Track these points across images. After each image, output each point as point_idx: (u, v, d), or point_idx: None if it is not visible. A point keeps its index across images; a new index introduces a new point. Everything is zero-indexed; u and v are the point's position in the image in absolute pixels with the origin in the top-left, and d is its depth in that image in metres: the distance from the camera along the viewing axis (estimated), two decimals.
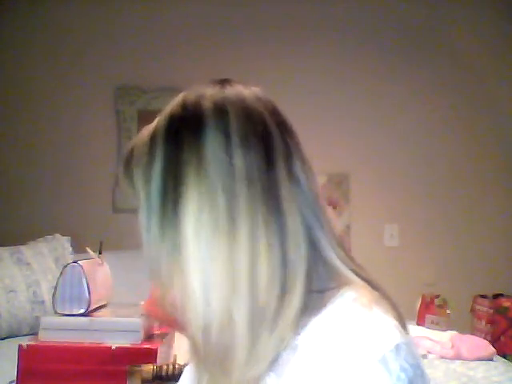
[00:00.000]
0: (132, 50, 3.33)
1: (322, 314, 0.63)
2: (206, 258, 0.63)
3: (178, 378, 1.25)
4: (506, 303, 3.07)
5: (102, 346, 1.46)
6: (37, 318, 2.27)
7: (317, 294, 0.65)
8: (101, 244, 1.71)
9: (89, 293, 1.52)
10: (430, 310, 2.56)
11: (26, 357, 1.44)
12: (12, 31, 3.29)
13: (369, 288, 0.65)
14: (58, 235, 2.79)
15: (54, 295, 1.54)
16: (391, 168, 3.38)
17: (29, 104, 3.29)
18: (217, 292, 0.62)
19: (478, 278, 3.28)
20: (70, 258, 2.57)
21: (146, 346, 1.47)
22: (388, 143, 3.38)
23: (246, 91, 0.70)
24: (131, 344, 1.46)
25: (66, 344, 1.47)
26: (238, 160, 0.64)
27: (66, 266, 1.56)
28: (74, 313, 1.51)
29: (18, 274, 2.48)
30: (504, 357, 2.44)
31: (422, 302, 2.55)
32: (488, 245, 3.35)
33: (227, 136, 0.65)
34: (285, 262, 0.63)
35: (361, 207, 3.35)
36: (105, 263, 1.71)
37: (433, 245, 3.35)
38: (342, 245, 0.69)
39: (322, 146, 3.23)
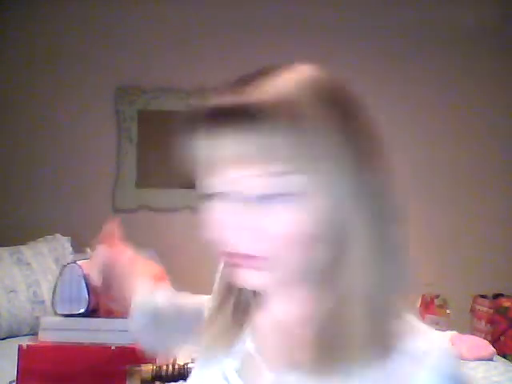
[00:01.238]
0: (132, 50, 3.33)
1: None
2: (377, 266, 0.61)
3: (178, 378, 1.25)
4: (506, 303, 3.07)
5: (101, 346, 1.46)
6: (37, 318, 2.27)
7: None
8: None
9: (89, 293, 1.52)
10: (429, 309, 2.57)
11: (26, 357, 1.44)
12: (12, 32, 3.29)
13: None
14: (58, 235, 2.79)
15: (53, 295, 1.54)
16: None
17: (29, 104, 3.29)
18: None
19: (477, 278, 3.28)
20: (70, 258, 2.57)
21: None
22: (390, 143, 3.37)
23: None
24: (131, 344, 1.46)
25: (65, 344, 1.47)
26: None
27: (65, 266, 1.56)
28: (74, 313, 1.51)
29: (18, 274, 2.48)
30: (504, 357, 2.45)
31: (421, 302, 2.55)
32: (488, 245, 3.35)
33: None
34: None
35: None
36: None
37: (433, 245, 3.35)
38: None
39: None
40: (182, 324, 0.90)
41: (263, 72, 0.64)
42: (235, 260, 0.61)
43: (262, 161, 0.57)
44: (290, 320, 0.66)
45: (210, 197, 0.61)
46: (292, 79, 0.60)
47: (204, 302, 0.85)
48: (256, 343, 0.68)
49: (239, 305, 0.71)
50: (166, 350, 1.14)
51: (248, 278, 0.61)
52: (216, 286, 0.76)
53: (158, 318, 0.90)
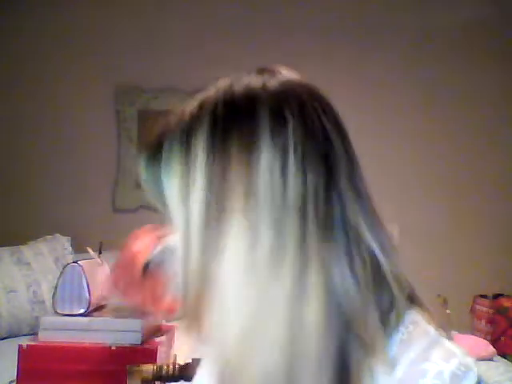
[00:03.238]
0: (132, 50, 3.33)
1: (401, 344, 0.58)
2: (243, 296, 0.56)
3: (178, 378, 1.25)
4: (506, 303, 3.07)
5: (101, 346, 1.46)
6: (37, 318, 2.27)
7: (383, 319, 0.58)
8: (101, 244, 1.71)
9: (89, 293, 1.52)
10: None
11: (26, 357, 1.44)
12: (12, 32, 3.29)
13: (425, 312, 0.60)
14: (58, 235, 2.79)
15: (53, 295, 1.54)
16: (391, 168, 3.38)
17: (29, 104, 3.29)
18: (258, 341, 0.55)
19: (477, 278, 3.28)
20: (70, 258, 2.57)
21: (146, 346, 1.47)
22: (387, 143, 3.38)
23: (299, 87, 0.59)
24: (131, 344, 1.46)
25: (65, 344, 1.47)
26: (294, 187, 0.55)
27: (65, 266, 1.56)
28: (74, 313, 1.51)
29: (17, 274, 2.48)
30: (504, 357, 2.45)
31: None
32: (488, 245, 3.35)
33: (285, 155, 0.55)
34: (340, 303, 0.56)
35: None
36: (105, 263, 1.71)
37: (433, 245, 3.35)
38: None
39: None
40: None
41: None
42: None
43: (151, 188, 0.64)
44: None
45: None
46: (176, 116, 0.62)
47: None
48: None
49: None
50: None
51: None
52: None
53: None
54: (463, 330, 2.40)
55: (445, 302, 2.56)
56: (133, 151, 3.34)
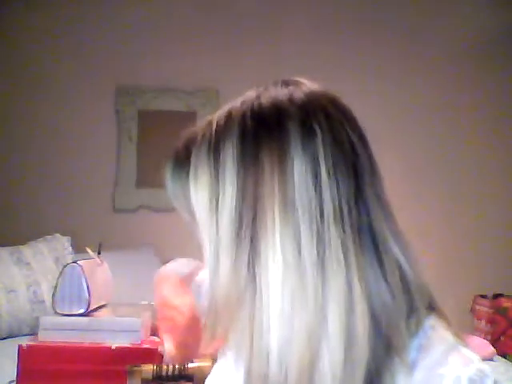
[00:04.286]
0: (132, 50, 3.33)
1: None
2: (290, 310, 0.55)
3: (178, 378, 1.25)
4: (506, 303, 3.07)
5: (101, 346, 1.46)
6: (37, 318, 2.27)
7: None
8: (100, 244, 1.71)
9: (88, 293, 1.52)
10: None
11: (26, 357, 1.44)
12: (12, 32, 3.29)
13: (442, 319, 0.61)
14: (57, 235, 2.79)
15: (53, 295, 1.54)
16: (390, 168, 3.37)
17: (28, 104, 3.29)
18: (296, 356, 0.54)
19: (477, 278, 3.28)
20: (69, 258, 2.57)
21: (146, 345, 1.48)
22: (388, 144, 3.38)
23: (324, 98, 0.60)
24: (131, 344, 1.46)
25: (65, 344, 1.47)
26: (329, 197, 0.55)
27: (65, 266, 1.56)
28: (74, 313, 1.51)
29: (17, 274, 2.48)
30: (504, 357, 2.45)
31: None
32: (488, 245, 3.35)
33: (316, 166, 0.56)
34: (384, 308, 0.56)
35: None
36: (105, 263, 1.71)
37: (433, 245, 3.35)
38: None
39: None
40: None
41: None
42: None
43: (179, 203, 0.65)
44: None
45: None
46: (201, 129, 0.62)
47: None
48: None
49: None
50: None
51: None
52: None
53: None
54: (463, 330, 2.40)
55: (445, 302, 2.57)
56: (133, 151, 3.34)
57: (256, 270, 0.55)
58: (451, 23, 3.39)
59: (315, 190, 0.55)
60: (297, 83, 0.62)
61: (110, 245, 1.99)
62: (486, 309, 3.13)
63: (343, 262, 0.55)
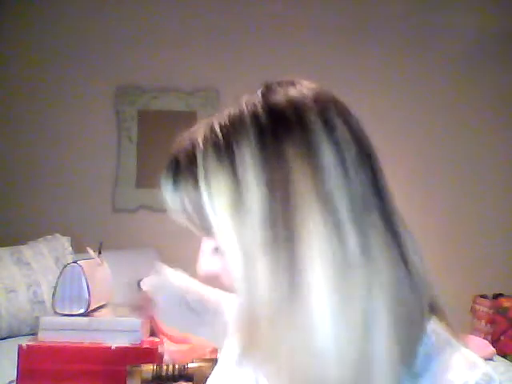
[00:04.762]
0: (132, 49, 3.33)
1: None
2: (340, 306, 0.53)
3: (178, 378, 1.25)
4: (506, 303, 3.07)
5: (101, 346, 1.46)
6: (37, 318, 2.27)
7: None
8: (100, 244, 1.71)
9: (88, 293, 1.52)
10: None
11: (26, 357, 1.44)
12: (12, 32, 3.29)
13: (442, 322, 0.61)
14: (57, 235, 2.79)
15: (53, 295, 1.54)
16: (390, 169, 3.37)
17: (29, 104, 3.29)
18: (350, 347, 0.53)
19: (478, 278, 3.28)
20: (69, 258, 2.57)
21: (146, 345, 1.48)
22: (388, 144, 3.37)
23: (329, 93, 0.61)
24: (131, 344, 1.47)
25: (65, 344, 1.47)
26: (358, 186, 0.56)
27: (65, 266, 1.56)
28: (74, 313, 1.51)
29: (17, 273, 2.48)
30: (504, 357, 2.45)
31: None
32: (488, 245, 3.34)
33: (343, 157, 0.56)
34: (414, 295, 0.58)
35: None
36: (105, 263, 1.71)
37: (433, 245, 3.35)
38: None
39: None
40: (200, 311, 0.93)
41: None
42: None
43: (186, 216, 0.60)
44: None
45: None
46: (207, 124, 0.60)
47: (222, 298, 0.87)
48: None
49: None
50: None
51: None
52: None
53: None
54: (463, 330, 2.40)
55: (445, 302, 2.57)
56: (133, 151, 3.34)
57: (297, 271, 0.53)
58: (457, 22, 3.40)
59: (346, 180, 0.55)
60: (298, 82, 0.62)
61: (110, 245, 1.99)
62: (485, 309, 3.13)
63: (385, 248, 0.55)
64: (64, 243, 2.76)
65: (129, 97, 3.35)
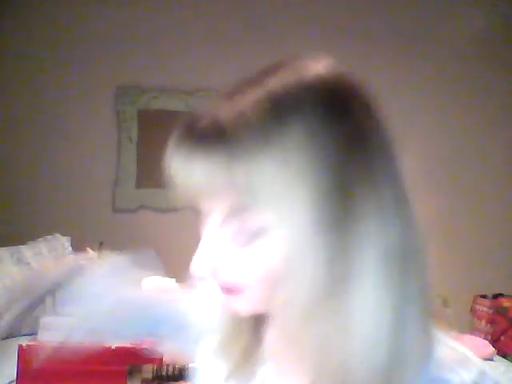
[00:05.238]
0: (132, 49, 3.33)
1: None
2: (385, 300, 0.52)
3: (178, 379, 1.25)
4: (506, 303, 3.07)
5: (101, 346, 1.46)
6: (37, 318, 2.27)
7: None
8: (101, 244, 1.71)
9: None
10: None
11: (26, 357, 1.44)
12: (12, 32, 3.28)
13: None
14: (57, 235, 2.79)
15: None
16: None
17: (29, 104, 3.29)
18: (383, 349, 0.51)
19: (478, 278, 3.28)
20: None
21: (146, 345, 1.47)
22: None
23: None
24: (131, 344, 1.46)
25: (65, 344, 1.47)
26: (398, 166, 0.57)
27: None
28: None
29: (17, 274, 2.48)
30: (504, 357, 2.45)
31: None
32: (488, 245, 3.35)
33: (385, 140, 0.57)
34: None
35: None
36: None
37: (433, 245, 3.34)
38: None
39: None
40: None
41: (252, 80, 0.55)
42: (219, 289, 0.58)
43: (226, 193, 0.51)
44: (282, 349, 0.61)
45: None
46: (265, 91, 0.52)
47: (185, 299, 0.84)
48: (274, 366, 0.63)
49: (257, 325, 0.65)
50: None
51: (232, 305, 0.58)
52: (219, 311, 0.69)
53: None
54: (463, 330, 2.40)
55: (445, 302, 2.56)
56: (133, 151, 3.34)
57: (350, 258, 0.50)
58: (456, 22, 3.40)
59: (390, 165, 0.58)
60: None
61: (109, 245, 1.99)
62: (486, 309, 3.13)
63: (424, 258, 0.58)
64: (64, 243, 2.76)
65: (129, 97, 3.35)
